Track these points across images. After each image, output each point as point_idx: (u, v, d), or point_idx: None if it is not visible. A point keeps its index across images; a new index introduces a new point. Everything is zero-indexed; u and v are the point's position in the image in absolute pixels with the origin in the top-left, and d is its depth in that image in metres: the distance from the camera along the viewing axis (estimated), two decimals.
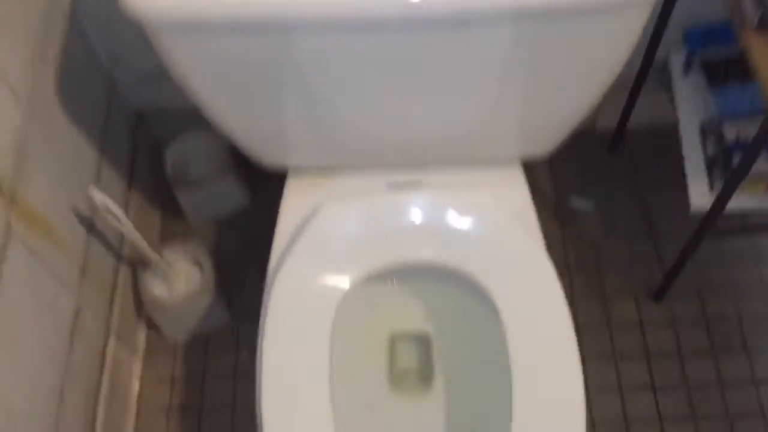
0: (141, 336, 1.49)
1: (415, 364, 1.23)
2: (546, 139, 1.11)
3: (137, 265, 1.42)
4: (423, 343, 1.22)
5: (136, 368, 1.46)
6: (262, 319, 1.06)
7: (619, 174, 1.59)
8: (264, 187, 1.49)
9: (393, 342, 1.22)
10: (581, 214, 1.56)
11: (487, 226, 1.10)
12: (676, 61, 1.35)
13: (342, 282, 1.09)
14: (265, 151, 1.12)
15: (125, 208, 1.41)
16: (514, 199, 1.14)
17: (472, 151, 1.13)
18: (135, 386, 1.45)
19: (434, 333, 1.21)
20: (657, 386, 1.40)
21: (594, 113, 1.24)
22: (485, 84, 0.97)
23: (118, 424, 1.36)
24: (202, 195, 1.53)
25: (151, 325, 1.48)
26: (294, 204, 1.16)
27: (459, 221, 1.11)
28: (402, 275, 1.18)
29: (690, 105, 1.31)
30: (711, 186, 1.24)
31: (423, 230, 1.12)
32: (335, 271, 1.10)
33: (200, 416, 1.42)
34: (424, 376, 1.21)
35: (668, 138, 1.38)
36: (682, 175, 1.29)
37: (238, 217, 1.59)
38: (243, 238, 1.57)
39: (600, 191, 1.57)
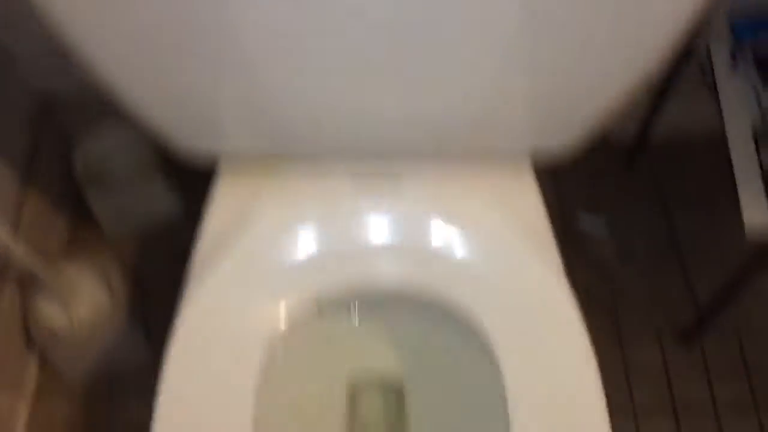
0: (30, 374, 1.18)
1: (381, 421, 0.96)
2: (569, 129, 0.82)
3: (28, 284, 1.11)
4: (393, 394, 0.95)
5: (22, 415, 1.15)
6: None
7: (639, 191, 1.31)
8: (198, 193, 1.18)
9: (354, 393, 0.95)
10: (592, 237, 1.27)
11: (484, 243, 0.82)
12: (719, 54, 1.08)
13: (277, 314, 0.80)
14: (186, 133, 0.81)
15: (18, 211, 1.13)
16: (520, 208, 0.85)
17: (470, 138, 0.83)
18: None
19: (408, 382, 0.94)
20: None
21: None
22: (497, 38, 0.68)
23: None
24: (120, 200, 1.23)
25: (44, 361, 1.18)
26: (224, 207, 0.86)
27: (445, 235, 0.82)
28: (366, 307, 0.89)
29: (739, 106, 1.03)
30: None
31: (396, 246, 0.83)
32: (270, 299, 0.80)
33: None
34: None
35: (700, 151, 1.24)
36: (714, 195, 1.14)
37: (165, 229, 1.28)
38: (168, 255, 1.25)
39: (616, 211, 1.29)
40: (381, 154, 0.83)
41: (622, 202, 1.30)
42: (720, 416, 1.13)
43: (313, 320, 0.86)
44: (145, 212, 1.28)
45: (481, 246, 0.81)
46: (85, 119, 1.21)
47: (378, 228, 0.83)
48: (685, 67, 1.14)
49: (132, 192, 1.23)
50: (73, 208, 1.28)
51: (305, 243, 0.81)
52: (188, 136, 0.82)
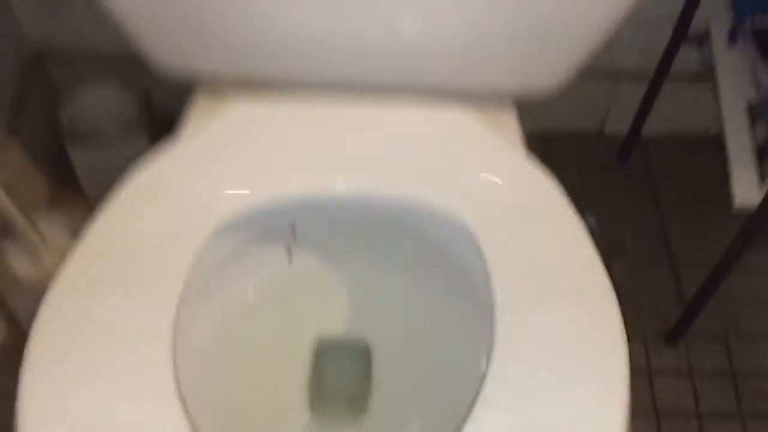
0: None
1: (344, 382, 0.92)
2: (552, 68, 0.80)
3: (1, 233, 1.08)
4: (359, 353, 0.90)
5: None
6: None
7: (630, 187, 1.28)
8: None
9: (318, 348, 0.89)
10: None
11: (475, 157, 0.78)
12: (718, 30, 1.07)
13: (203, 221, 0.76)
14: (164, 46, 0.79)
15: None
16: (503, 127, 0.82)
17: (452, 73, 0.80)
18: None
19: (374, 336, 0.89)
20: None
21: (602, 111, 1.27)
22: None
23: None
24: (101, 157, 1.20)
25: (7, 313, 1.12)
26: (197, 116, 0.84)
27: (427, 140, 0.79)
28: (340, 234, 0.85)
29: (735, 81, 1.02)
30: (762, 178, 0.94)
31: (369, 150, 0.78)
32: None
33: None
34: (357, 401, 0.88)
35: (693, 147, 1.27)
36: (707, 193, 1.18)
37: None
38: None
39: (605, 206, 1.25)
40: (363, 85, 0.81)
41: (613, 195, 1.27)
42: (703, 422, 1.08)
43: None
44: (127, 173, 1.25)
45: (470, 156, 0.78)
46: (74, 75, 1.19)
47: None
48: (681, 52, 1.12)
49: (115, 152, 1.21)
50: (55, 164, 1.26)
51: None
52: (166, 49, 0.80)
